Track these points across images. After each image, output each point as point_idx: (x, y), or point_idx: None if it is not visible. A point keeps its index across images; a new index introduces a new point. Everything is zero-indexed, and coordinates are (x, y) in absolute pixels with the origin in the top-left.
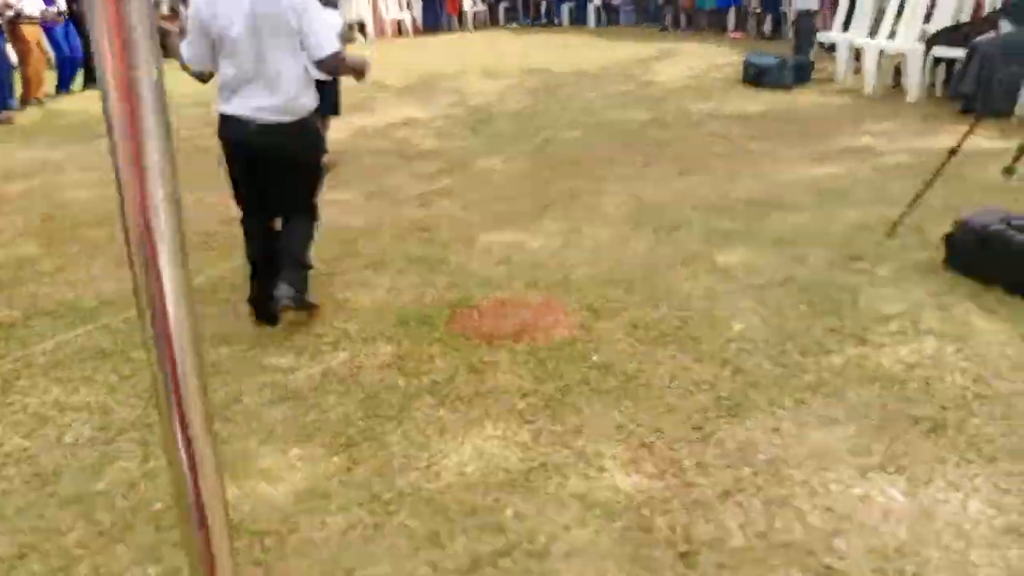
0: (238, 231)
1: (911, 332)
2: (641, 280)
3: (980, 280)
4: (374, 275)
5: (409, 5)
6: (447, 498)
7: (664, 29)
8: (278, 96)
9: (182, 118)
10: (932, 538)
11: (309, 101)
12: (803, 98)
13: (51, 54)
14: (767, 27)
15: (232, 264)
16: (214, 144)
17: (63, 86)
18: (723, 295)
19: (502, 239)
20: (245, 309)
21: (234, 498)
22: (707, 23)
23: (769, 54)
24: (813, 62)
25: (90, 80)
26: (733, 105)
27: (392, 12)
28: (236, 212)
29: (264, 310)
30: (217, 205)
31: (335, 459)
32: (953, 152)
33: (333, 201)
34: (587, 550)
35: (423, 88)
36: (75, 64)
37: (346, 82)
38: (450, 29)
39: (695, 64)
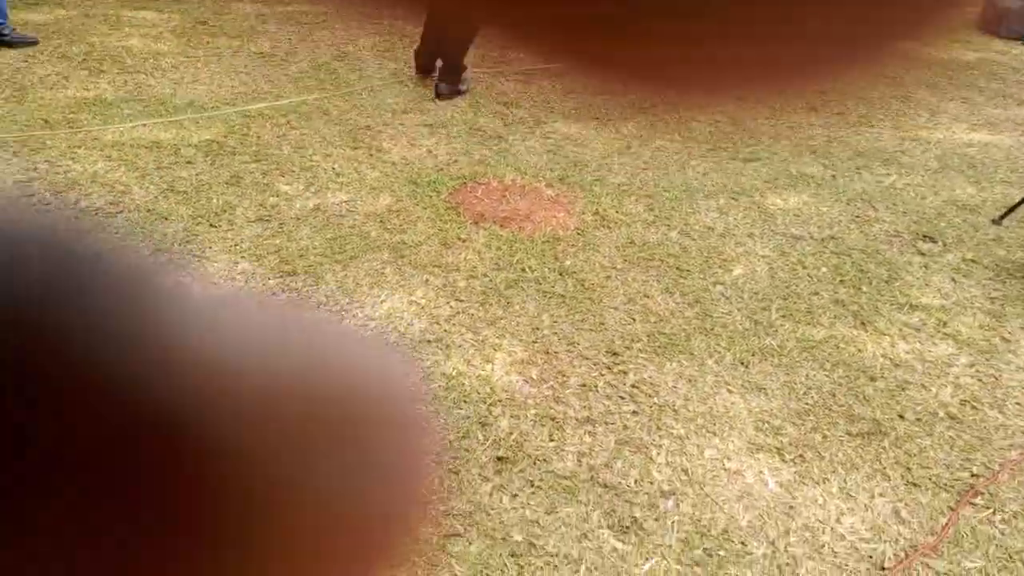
0: (342, 67)
1: (929, 331)
2: (669, 201)
3: None
4: (426, 134)
5: None
6: None
7: None
8: None
9: None
10: (773, 533)
11: None
12: None
13: None
14: None
15: (317, 96)
16: None
17: None
18: (745, 237)
19: (570, 131)
20: (299, 137)
21: None
22: None
23: None
24: None
25: None
26: None
27: None
28: None
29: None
30: (342, 43)
31: (270, 282)
32: None
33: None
34: None
35: None
36: None
37: None
38: None
39: None
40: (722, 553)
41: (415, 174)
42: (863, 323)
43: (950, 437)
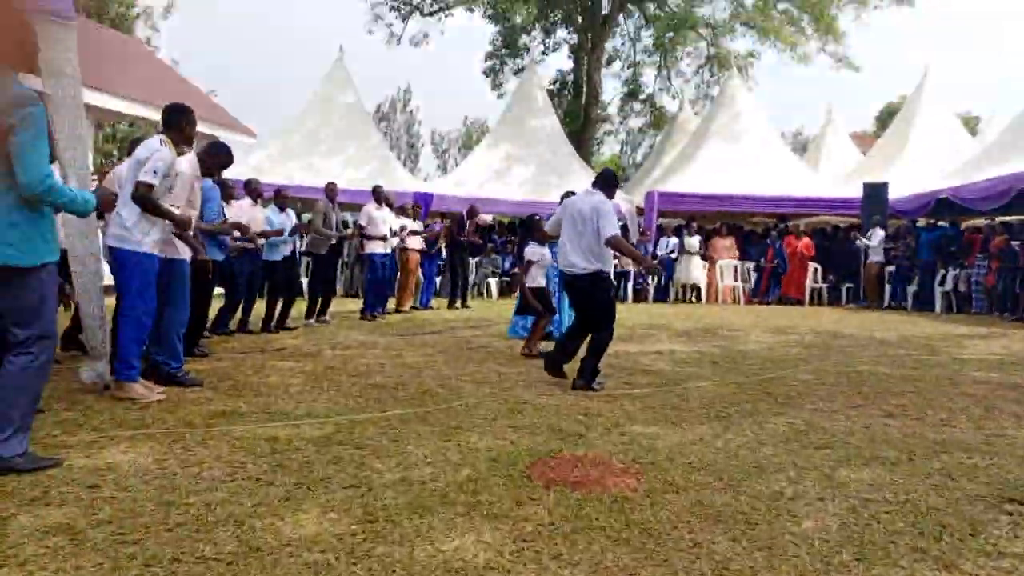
0: (443, 391)
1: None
2: (739, 474)
3: None
4: (511, 432)
5: (747, 277)
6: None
7: (1019, 319)
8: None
9: None
10: None
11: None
12: None
13: (421, 279)
14: None
15: (417, 409)
16: None
17: (422, 303)
18: (815, 499)
19: (647, 431)
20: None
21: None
22: None
23: None
24: None
25: (452, 304)
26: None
27: (727, 280)
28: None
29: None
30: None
31: (353, 527)
32: None
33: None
34: None
35: (702, 334)
36: (431, 291)
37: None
38: (784, 302)
39: (1018, 346)
40: None
41: (496, 456)
42: (947, 566)
43: None
